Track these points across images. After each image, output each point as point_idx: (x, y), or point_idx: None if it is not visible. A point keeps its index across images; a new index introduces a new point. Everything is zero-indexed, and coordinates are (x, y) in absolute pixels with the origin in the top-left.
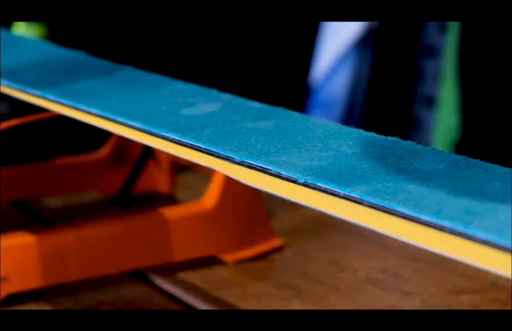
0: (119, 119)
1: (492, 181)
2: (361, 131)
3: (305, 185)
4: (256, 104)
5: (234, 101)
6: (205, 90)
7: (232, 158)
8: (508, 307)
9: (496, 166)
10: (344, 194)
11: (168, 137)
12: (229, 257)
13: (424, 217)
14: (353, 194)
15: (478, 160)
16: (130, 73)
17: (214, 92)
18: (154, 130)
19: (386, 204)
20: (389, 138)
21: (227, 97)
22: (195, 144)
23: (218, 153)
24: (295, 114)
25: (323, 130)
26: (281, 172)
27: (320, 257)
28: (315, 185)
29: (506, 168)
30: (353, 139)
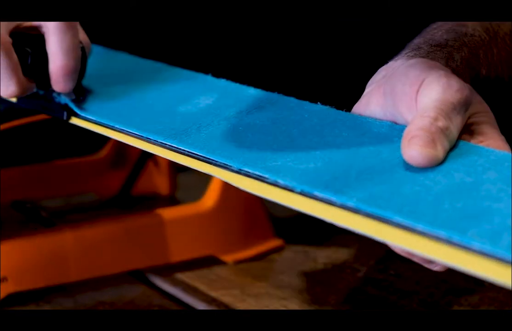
0: (117, 126)
1: (488, 171)
2: (357, 116)
3: (301, 194)
4: (251, 91)
5: (229, 89)
6: (200, 77)
7: (230, 166)
8: (507, 307)
9: (491, 150)
10: (340, 203)
11: (165, 144)
12: (228, 258)
13: (420, 226)
14: (349, 204)
15: (473, 144)
16: (126, 59)
17: (209, 79)
18: (151, 137)
19: (382, 213)
20: (384, 123)
21: (222, 84)
22: (192, 151)
23: (215, 160)
24: (291, 101)
25: (318, 118)
26: (278, 180)
27: (320, 257)
28: (312, 194)
29: (502, 152)
30: (348, 128)
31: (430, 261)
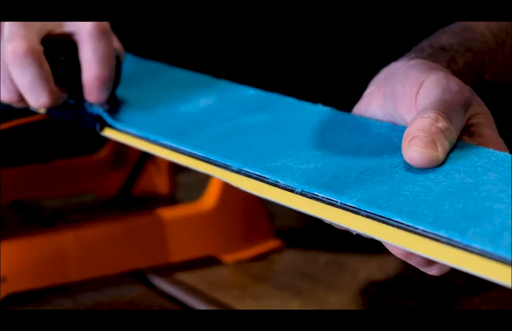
0: (117, 126)
1: (488, 172)
2: (357, 117)
3: (302, 194)
4: (251, 92)
5: (230, 89)
6: (200, 78)
7: (230, 166)
8: (508, 308)
9: (491, 151)
10: (341, 203)
11: (166, 144)
12: (228, 258)
13: (420, 227)
14: (349, 204)
15: (473, 145)
16: (125, 60)
17: (210, 80)
18: (151, 137)
19: (382, 213)
20: (384, 124)
21: (222, 84)
22: (193, 151)
23: (215, 161)
24: (291, 102)
25: (319, 119)
26: (279, 181)
27: (320, 257)
28: (312, 194)
29: (502, 153)
30: (348, 129)
31: (427, 265)
